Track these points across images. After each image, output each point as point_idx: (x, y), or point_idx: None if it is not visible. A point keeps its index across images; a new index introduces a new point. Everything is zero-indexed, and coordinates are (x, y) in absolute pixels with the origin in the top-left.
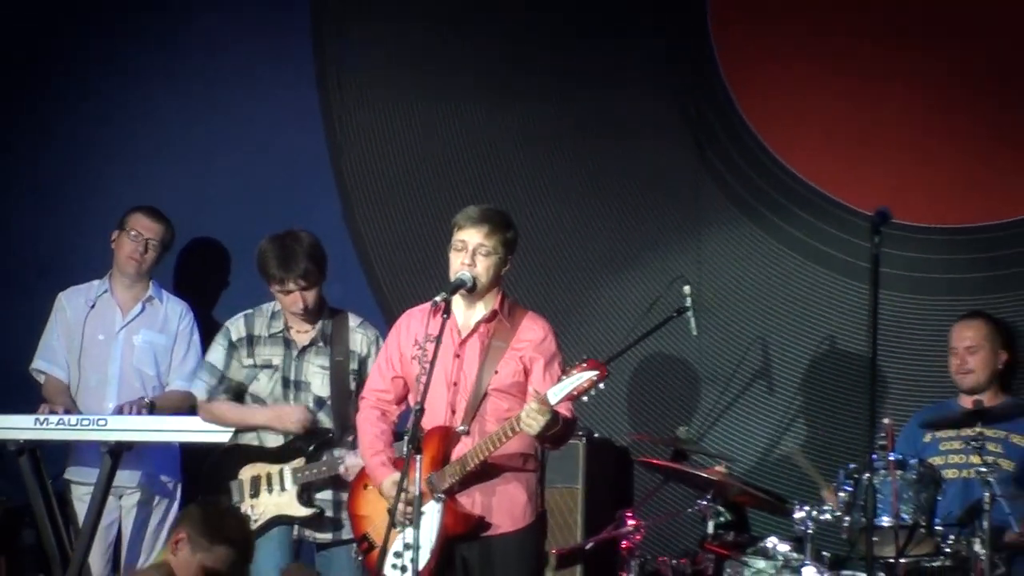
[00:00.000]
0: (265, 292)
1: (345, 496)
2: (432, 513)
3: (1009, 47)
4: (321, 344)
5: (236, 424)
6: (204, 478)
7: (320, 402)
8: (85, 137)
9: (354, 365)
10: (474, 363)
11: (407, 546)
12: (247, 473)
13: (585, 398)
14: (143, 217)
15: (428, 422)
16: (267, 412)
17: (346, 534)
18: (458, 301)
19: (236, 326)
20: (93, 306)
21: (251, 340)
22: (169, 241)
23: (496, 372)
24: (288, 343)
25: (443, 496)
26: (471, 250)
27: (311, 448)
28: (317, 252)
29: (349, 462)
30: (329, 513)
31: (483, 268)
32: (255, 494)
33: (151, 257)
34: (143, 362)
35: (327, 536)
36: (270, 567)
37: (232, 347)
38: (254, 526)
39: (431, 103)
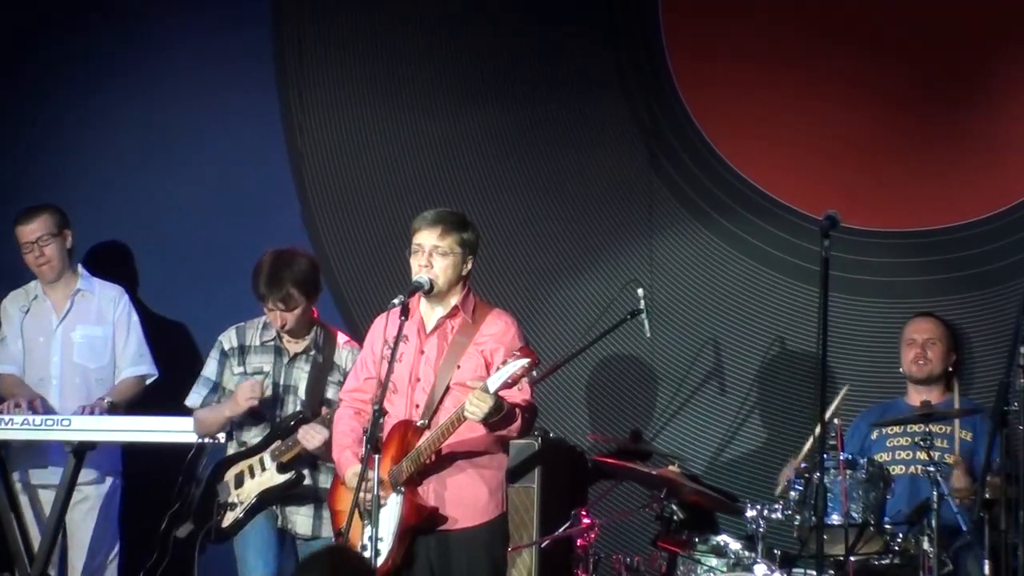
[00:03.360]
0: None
1: (320, 474)
2: (392, 505)
3: (958, 55)
4: (313, 351)
5: (211, 420)
6: (204, 489)
7: (304, 404)
8: (41, 140)
9: (339, 377)
10: (437, 359)
11: (371, 538)
12: (231, 473)
13: (524, 382)
14: (18, 226)
15: (393, 418)
16: (226, 402)
17: (325, 530)
18: (424, 302)
19: (228, 337)
20: (27, 311)
21: (243, 350)
22: (60, 223)
23: (458, 367)
24: (279, 351)
25: (402, 489)
26: (427, 252)
27: (289, 425)
28: (306, 278)
29: (303, 428)
30: (308, 480)
31: (440, 268)
32: (239, 484)
33: (52, 251)
34: (84, 357)
35: (307, 531)
36: (255, 554)
37: (224, 356)
38: (240, 512)
39: (390, 110)
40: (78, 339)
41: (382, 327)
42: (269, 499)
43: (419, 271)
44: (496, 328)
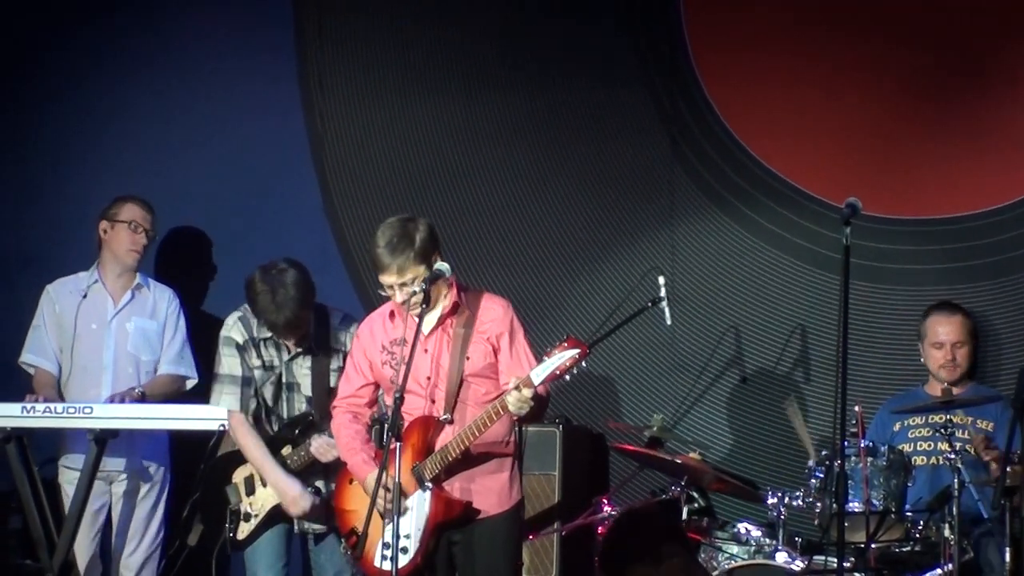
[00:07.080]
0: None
1: (332, 483)
2: (420, 502)
3: (980, 42)
4: (313, 348)
5: (248, 458)
6: (202, 486)
7: (311, 401)
8: (67, 129)
9: (338, 363)
10: (444, 354)
11: (394, 536)
12: (240, 475)
13: (567, 376)
14: (138, 208)
15: (407, 416)
16: (279, 479)
17: None
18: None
19: (237, 331)
20: (85, 296)
21: (254, 342)
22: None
23: (468, 358)
24: (279, 346)
25: (430, 485)
26: (396, 289)
27: (296, 433)
28: (306, 296)
29: (315, 443)
30: (324, 493)
31: (410, 292)
32: (251, 491)
33: (147, 246)
34: (137, 348)
35: (323, 526)
36: (266, 568)
37: (241, 350)
38: (254, 524)
39: (411, 97)
40: (131, 329)
41: (371, 333)
42: (282, 511)
43: (398, 300)
44: (493, 313)
